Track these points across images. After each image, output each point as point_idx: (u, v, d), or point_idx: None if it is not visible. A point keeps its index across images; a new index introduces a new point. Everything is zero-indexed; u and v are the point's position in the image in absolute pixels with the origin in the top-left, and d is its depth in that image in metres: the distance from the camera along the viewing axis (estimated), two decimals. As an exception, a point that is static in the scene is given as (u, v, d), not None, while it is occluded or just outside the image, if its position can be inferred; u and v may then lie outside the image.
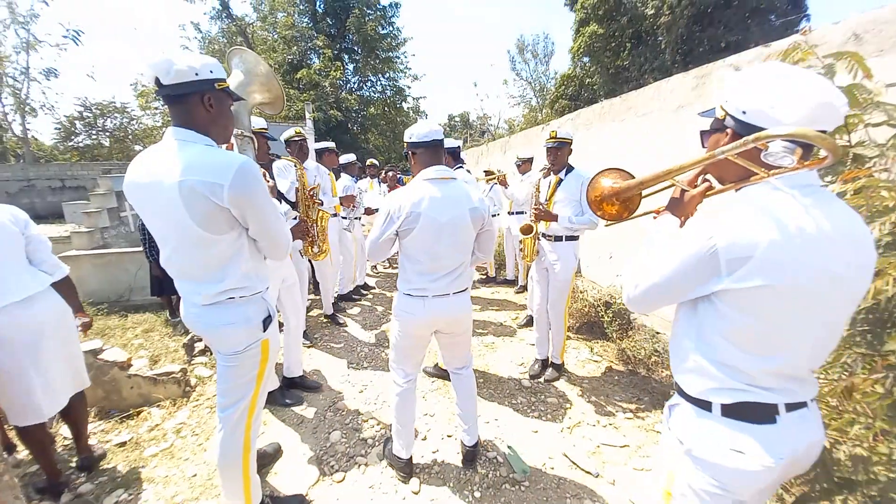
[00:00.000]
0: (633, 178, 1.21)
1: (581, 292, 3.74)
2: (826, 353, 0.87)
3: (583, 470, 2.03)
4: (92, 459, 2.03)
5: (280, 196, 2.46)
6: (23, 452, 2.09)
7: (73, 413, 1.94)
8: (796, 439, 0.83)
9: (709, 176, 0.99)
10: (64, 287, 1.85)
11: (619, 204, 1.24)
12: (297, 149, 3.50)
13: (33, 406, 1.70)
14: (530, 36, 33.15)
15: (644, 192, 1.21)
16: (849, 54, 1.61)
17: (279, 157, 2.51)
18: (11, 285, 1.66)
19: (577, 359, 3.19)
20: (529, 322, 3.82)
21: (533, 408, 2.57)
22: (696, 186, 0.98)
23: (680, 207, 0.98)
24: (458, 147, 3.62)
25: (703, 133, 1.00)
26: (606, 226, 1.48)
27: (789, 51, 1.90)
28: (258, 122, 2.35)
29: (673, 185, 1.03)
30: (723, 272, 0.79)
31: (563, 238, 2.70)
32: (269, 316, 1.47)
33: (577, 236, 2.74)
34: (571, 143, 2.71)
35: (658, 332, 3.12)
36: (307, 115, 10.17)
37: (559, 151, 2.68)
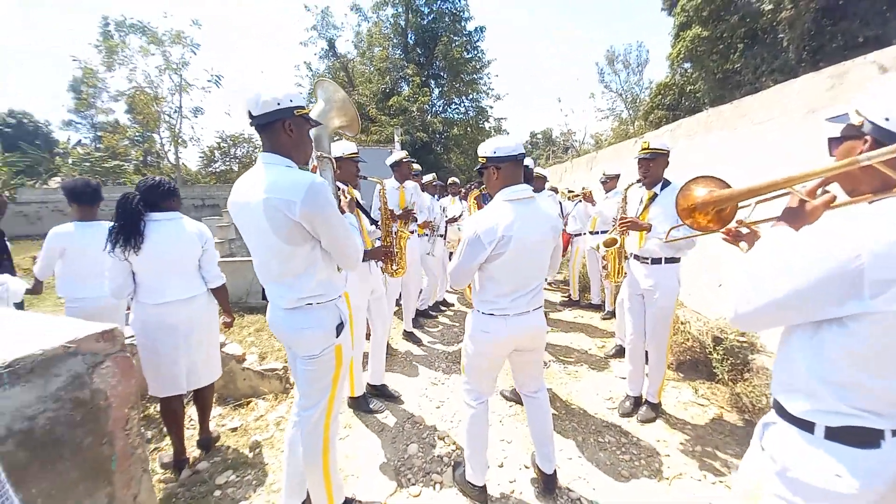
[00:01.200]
0: (729, 186, 1.15)
1: (683, 323, 3.32)
2: None
3: (686, 533, 1.75)
4: (210, 440, 2.35)
5: (368, 215, 2.65)
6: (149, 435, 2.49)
7: (204, 396, 2.30)
8: None
9: (831, 186, 0.92)
10: (219, 292, 2.25)
11: (712, 214, 1.18)
12: (402, 170, 3.78)
13: (176, 381, 2.06)
14: (621, 46, 31.54)
15: (740, 204, 1.12)
16: None
17: (366, 177, 2.72)
18: (182, 285, 2.06)
19: (678, 400, 2.81)
20: (619, 352, 3.49)
21: (623, 450, 2.31)
22: (814, 196, 0.91)
23: (799, 219, 0.91)
24: (529, 167, 3.11)
25: (831, 140, 0.95)
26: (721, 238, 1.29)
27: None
28: (349, 147, 2.54)
29: (790, 193, 0.95)
30: (865, 294, 0.72)
31: (663, 260, 2.43)
32: (342, 322, 1.56)
33: (679, 258, 2.45)
34: (668, 155, 2.46)
35: (785, 378, 2.60)
36: (396, 139, 10.92)
37: (652, 163, 2.44)
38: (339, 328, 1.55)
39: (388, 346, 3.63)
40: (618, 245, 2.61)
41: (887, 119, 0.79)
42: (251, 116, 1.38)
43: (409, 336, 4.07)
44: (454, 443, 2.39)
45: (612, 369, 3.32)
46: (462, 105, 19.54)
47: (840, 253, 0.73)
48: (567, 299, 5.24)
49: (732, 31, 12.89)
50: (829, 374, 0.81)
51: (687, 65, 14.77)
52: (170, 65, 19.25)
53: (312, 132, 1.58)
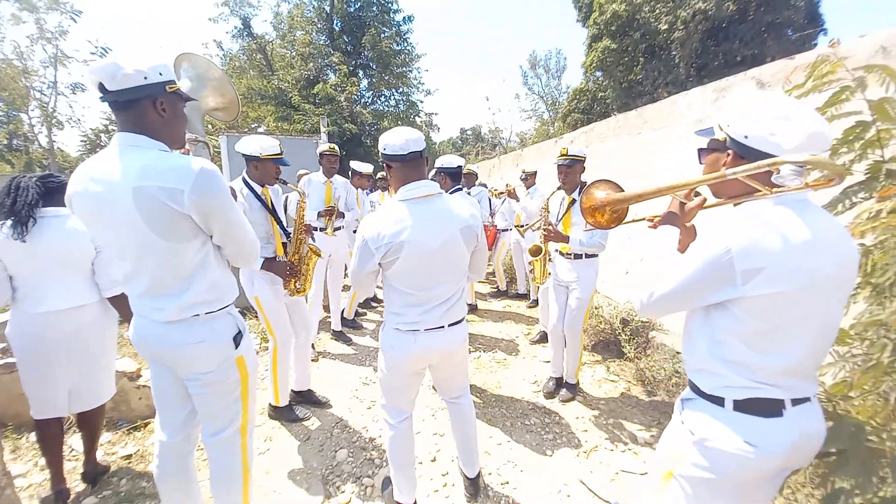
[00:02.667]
0: (622, 190, 1.32)
1: (597, 308, 3.63)
2: (828, 349, 0.97)
3: (602, 500, 1.92)
4: (98, 471, 2.01)
5: (280, 224, 2.40)
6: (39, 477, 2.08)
7: (90, 421, 1.95)
8: (800, 430, 0.92)
9: (700, 190, 1.08)
10: (118, 301, 1.88)
11: (609, 213, 1.32)
12: (326, 163, 3.51)
13: (55, 402, 1.79)
14: (542, 51, 33.53)
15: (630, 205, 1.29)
16: (880, 67, 1.56)
17: (286, 183, 2.42)
18: (70, 292, 1.75)
19: (593, 378, 3.08)
20: (543, 338, 3.72)
21: (547, 430, 2.47)
22: (690, 199, 1.08)
23: (678, 218, 1.09)
24: (460, 167, 2.88)
25: (700, 150, 1.14)
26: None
27: (817, 63, 1.84)
28: (271, 146, 2.24)
29: (671, 197, 1.12)
30: (737, 282, 0.87)
31: (584, 255, 2.62)
32: (240, 332, 1.41)
33: (597, 254, 2.67)
34: (584, 161, 2.61)
35: (678, 353, 3.00)
36: (322, 129, 10.35)
37: (570, 169, 2.56)
38: (238, 338, 1.39)
39: (314, 347, 3.45)
40: (542, 254, 2.74)
41: (746, 137, 0.92)
42: (104, 91, 1.13)
43: (338, 336, 3.90)
44: (386, 441, 2.35)
45: (536, 355, 3.53)
46: (392, 98, 19.16)
47: (714, 248, 0.89)
48: (496, 290, 5.45)
49: (635, 46, 14.39)
50: (724, 354, 0.94)
51: (598, 73, 16.16)
52: (43, 34, 16.04)
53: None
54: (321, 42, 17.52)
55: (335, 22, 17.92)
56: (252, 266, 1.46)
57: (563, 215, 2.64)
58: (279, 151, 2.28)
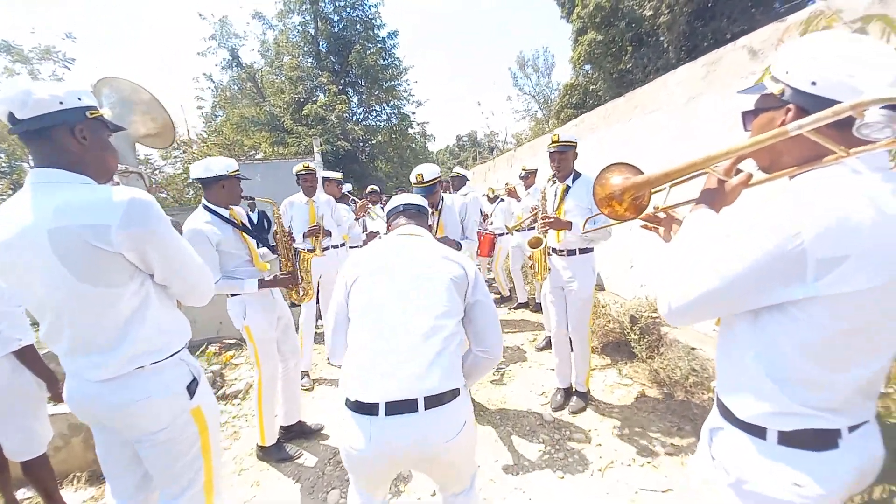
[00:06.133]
0: (642, 172, 1.08)
1: (603, 307, 3.42)
2: None
3: (621, 526, 1.71)
4: None
5: (258, 239, 2.31)
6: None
7: (34, 473, 1.85)
8: (860, 462, 0.73)
9: (745, 164, 0.85)
10: (25, 355, 1.73)
11: (629, 202, 1.09)
12: (303, 184, 3.44)
13: None
14: (530, 51, 33.56)
15: (655, 189, 1.06)
16: (879, 17, 1.39)
17: (253, 199, 2.36)
18: None
19: (605, 383, 2.86)
20: (549, 344, 3.50)
21: (558, 447, 2.26)
22: (731, 175, 0.84)
23: (718, 199, 0.84)
24: (431, 179, 2.37)
25: (745, 114, 0.86)
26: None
27: (811, 19, 1.67)
28: (229, 164, 2.14)
29: (706, 173, 0.88)
30: (808, 276, 0.64)
31: (577, 251, 2.44)
32: (195, 379, 1.24)
33: (592, 248, 2.48)
34: (576, 147, 2.47)
35: (694, 348, 2.77)
36: (315, 149, 10.35)
37: (563, 156, 2.43)
38: (193, 386, 1.22)
39: (308, 375, 3.30)
40: (543, 246, 2.57)
41: (814, 83, 0.69)
42: (13, 122, 1.00)
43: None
44: (383, 475, 2.16)
45: (542, 363, 3.32)
46: (384, 112, 19.22)
47: (777, 233, 0.65)
48: (499, 297, 5.25)
49: (622, 35, 14.25)
50: (777, 371, 0.72)
51: (587, 66, 16.03)
52: (36, 78, 16.46)
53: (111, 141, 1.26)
54: (308, 65, 17.72)
55: (321, 44, 18.14)
56: (205, 302, 1.28)
57: (559, 204, 2.47)
58: (237, 168, 2.20)
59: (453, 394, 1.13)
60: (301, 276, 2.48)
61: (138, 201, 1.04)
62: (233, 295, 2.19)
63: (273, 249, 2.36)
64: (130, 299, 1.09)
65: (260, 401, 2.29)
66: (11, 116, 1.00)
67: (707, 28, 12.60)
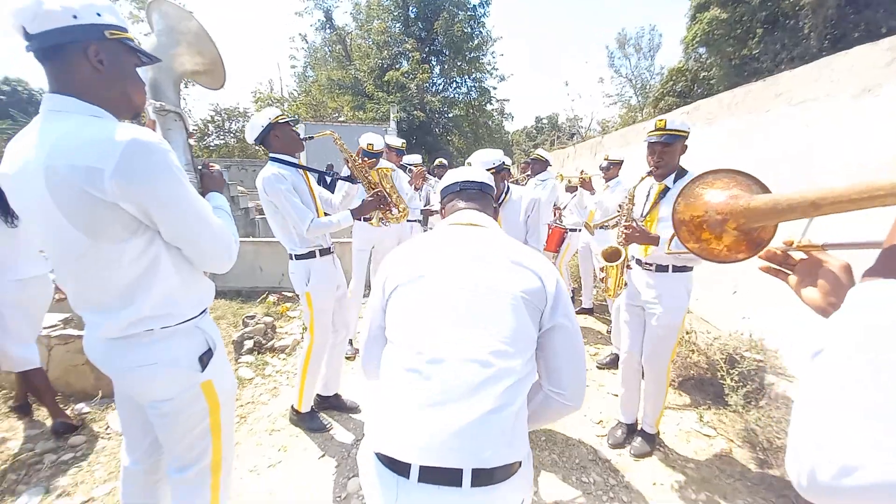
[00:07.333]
0: (766, 189, 0.66)
1: (688, 333, 2.87)
2: None
3: None
4: (61, 428, 2.17)
5: (326, 183, 2.28)
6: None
7: (32, 383, 2.19)
8: None
9: None
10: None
11: (733, 234, 0.67)
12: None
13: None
14: (634, 28, 30.27)
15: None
16: None
17: (311, 137, 2.31)
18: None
19: (679, 428, 2.39)
20: (614, 362, 3.05)
21: (611, 493, 1.90)
22: None
23: None
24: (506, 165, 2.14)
25: None
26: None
27: None
28: (270, 113, 2.00)
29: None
30: None
31: (670, 268, 1.96)
32: (209, 349, 1.10)
33: (692, 267, 1.99)
34: (687, 137, 1.91)
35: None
36: (392, 116, 10.31)
37: (667, 148, 1.88)
38: (206, 357, 1.09)
39: (351, 343, 3.24)
40: (621, 260, 2.11)
41: None
42: (27, 38, 0.86)
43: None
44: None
45: (603, 384, 2.90)
46: (464, 84, 18.66)
47: None
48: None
49: (753, 15, 12.15)
50: None
51: (702, 49, 14.03)
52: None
53: (147, 74, 1.07)
54: (396, 30, 17.65)
55: (410, 8, 17.89)
56: (224, 269, 1.10)
57: (651, 209, 1.99)
58: (280, 112, 2.09)
59: (512, 468, 0.81)
60: (388, 194, 2.44)
61: (139, 142, 0.85)
62: (297, 257, 2.11)
63: (350, 179, 2.33)
64: (138, 258, 0.94)
65: (305, 367, 2.24)
66: (25, 31, 0.85)
67: (859, 17, 10.33)
